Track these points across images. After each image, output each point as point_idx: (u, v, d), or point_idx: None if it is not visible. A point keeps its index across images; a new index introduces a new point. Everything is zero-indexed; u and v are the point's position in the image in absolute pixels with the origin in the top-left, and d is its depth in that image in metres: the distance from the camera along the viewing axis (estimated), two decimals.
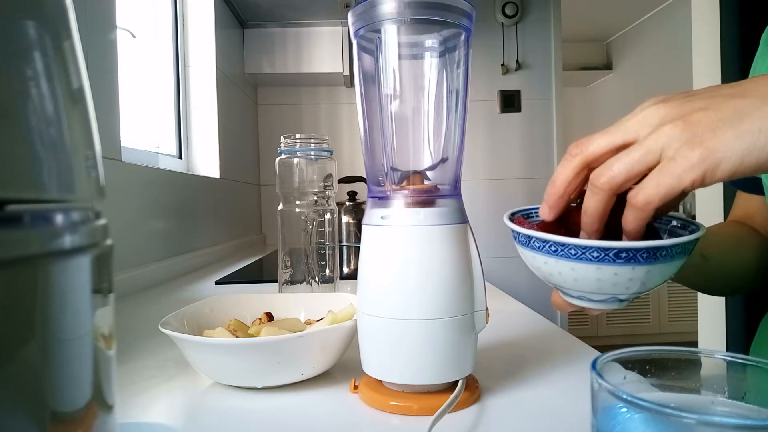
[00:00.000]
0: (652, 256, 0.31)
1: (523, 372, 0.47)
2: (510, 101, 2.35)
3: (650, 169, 0.30)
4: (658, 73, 3.53)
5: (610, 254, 0.31)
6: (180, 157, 1.61)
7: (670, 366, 0.26)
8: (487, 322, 0.42)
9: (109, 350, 0.19)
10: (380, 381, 0.42)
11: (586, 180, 0.33)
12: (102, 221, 0.19)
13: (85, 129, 0.18)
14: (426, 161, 0.43)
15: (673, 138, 0.29)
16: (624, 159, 0.31)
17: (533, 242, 0.34)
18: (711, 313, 1.64)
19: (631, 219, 0.32)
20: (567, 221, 0.36)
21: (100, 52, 0.95)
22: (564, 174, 0.34)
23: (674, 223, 0.39)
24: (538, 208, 0.42)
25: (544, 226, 0.38)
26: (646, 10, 3.55)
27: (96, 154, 0.19)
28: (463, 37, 0.42)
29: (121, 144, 1.01)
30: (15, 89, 0.14)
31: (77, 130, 0.17)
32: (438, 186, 0.42)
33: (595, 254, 0.31)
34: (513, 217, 0.41)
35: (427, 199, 0.41)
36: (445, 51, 0.43)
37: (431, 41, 0.43)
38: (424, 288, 0.39)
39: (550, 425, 0.37)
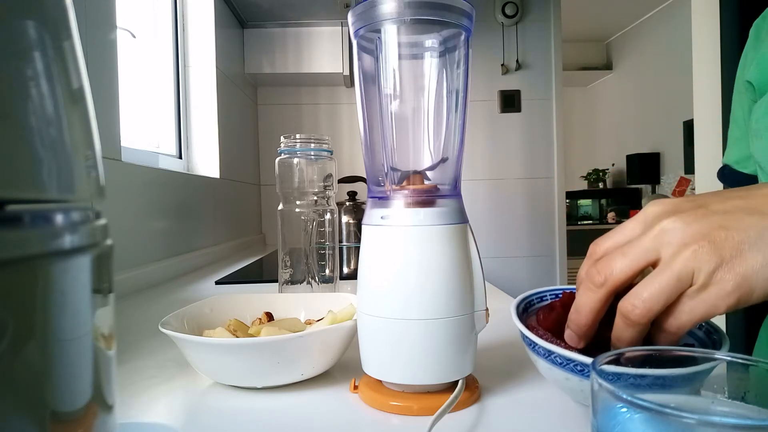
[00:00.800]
0: (686, 380, 0.31)
1: (523, 372, 0.47)
2: (510, 101, 2.36)
3: (681, 293, 0.30)
4: (658, 73, 3.53)
5: (646, 383, 0.31)
6: (180, 157, 1.61)
7: (670, 366, 0.26)
8: (487, 322, 0.42)
9: (109, 350, 0.19)
10: (380, 381, 0.42)
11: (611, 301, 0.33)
12: (102, 221, 0.19)
13: (85, 129, 0.18)
14: (426, 161, 0.43)
15: (702, 262, 0.29)
16: (654, 286, 0.30)
17: (554, 357, 0.34)
18: None
19: (662, 341, 0.32)
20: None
21: (100, 52, 0.95)
22: (590, 305, 0.33)
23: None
24: (542, 293, 0.42)
25: (553, 321, 0.37)
26: (646, 10, 3.55)
27: (96, 154, 0.19)
28: (463, 37, 0.42)
29: (121, 144, 1.01)
30: (15, 89, 0.14)
31: (77, 130, 0.17)
32: (438, 186, 0.42)
33: (630, 380, 0.31)
34: (519, 308, 0.39)
35: (427, 199, 0.41)
36: (445, 51, 0.43)
37: (431, 41, 0.43)
38: (424, 288, 0.39)
39: (549, 425, 0.37)
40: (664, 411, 0.19)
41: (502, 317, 0.70)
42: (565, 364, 0.34)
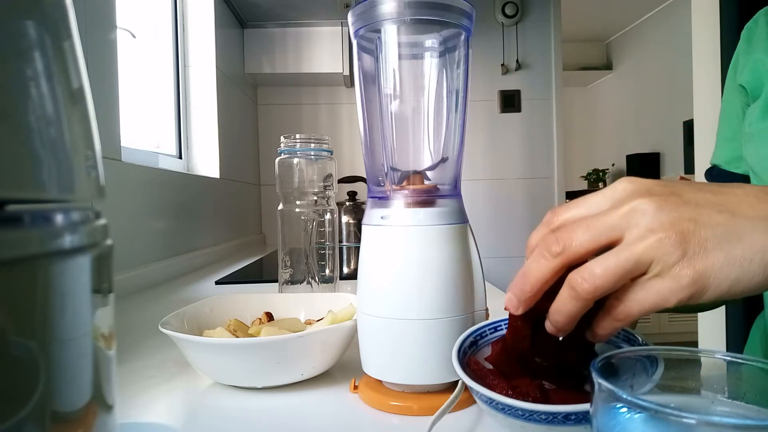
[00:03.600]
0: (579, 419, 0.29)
1: None
2: (510, 101, 2.35)
3: (633, 279, 0.29)
4: (658, 73, 3.53)
5: (559, 417, 0.29)
6: (180, 157, 1.61)
7: (670, 366, 0.26)
8: None
9: (109, 350, 0.19)
10: (380, 381, 0.42)
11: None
12: (102, 221, 0.19)
13: (85, 129, 0.18)
14: (426, 161, 0.43)
15: (665, 253, 0.28)
16: (609, 265, 0.29)
17: (479, 396, 0.32)
18: (711, 313, 1.64)
19: (606, 327, 0.31)
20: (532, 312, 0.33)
21: (100, 52, 0.95)
22: (540, 273, 0.31)
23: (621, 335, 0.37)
24: (497, 323, 0.39)
25: (499, 353, 0.35)
26: (646, 10, 3.55)
27: (96, 154, 0.19)
28: (463, 37, 0.42)
29: (121, 144, 1.01)
30: (15, 89, 0.14)
31: (77, 130, 0.17)
32: (438, 186, 0.42)
33: (543, 416, 0.29)
34: (464, 345, 0.37)
35: (427, 199, 0.41)
36: (445, 51, 0.43)
37: (431, 41, 0.43)
38: (423, 288, 0.39)
39: None
40: (664, 411, 0.19)
41: (502, 317, 0.70)
42: (474, 392, 0.32)
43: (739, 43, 0.64)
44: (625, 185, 0.31)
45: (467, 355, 0.36)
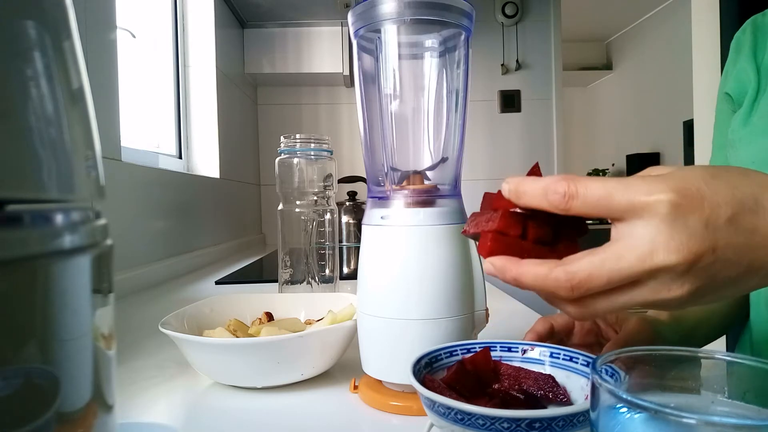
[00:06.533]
0: (569, 423, 0.27)
1: None
2: (510, 101, 2.35)
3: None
4: (658, 73, 3.53)
5: (522, 425, 0.26)
6: (180, 157, 1.61)
7: (670, 366, 0.26)
8: (487, 322, 0.42)
9: (109, 350, 0.19)
10: (380, 381, 0.42)
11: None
12: (102, 221, 0.19)
13: (85, 129, 0.18)
14: (426, 161, 0.43)
15: (672, 293, 0.26)
16: (613, 303, 0.27)
17: (436, 408, 0.29)
18: None
19: (575, 315, 0.29)
20: None
21: (100, 52, 0.95)
22: (535, 286, 0.28)
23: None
24: (445, 350, 0.37)
25: (456, 373, 0.34)
26: (646, 10, 3.55)
27: (96, 154, 0.19)
28: (463, 37, 0.42)
29: (121, 144, 1.01)
30: (15, 89, 0.14)
31: (77, 130, 0.17)
32: (438, 186, 0.42)
33: (506, 425, 0.26)
34: (420, 362, 0.35)
35: (427, 199, 0.41)
36: (445, 51, 0.43)
37: (431, 41, 0.43)
38: (423, 288, 0.39)
39: None
40: (664, 411, 0.19)
41: (502, 318, 0.70)
42: (430, 405, 0.30)
43: (730, 53, 0.65)
44: (672, 247, 0.26)
45: (422, 374, 0.35)
